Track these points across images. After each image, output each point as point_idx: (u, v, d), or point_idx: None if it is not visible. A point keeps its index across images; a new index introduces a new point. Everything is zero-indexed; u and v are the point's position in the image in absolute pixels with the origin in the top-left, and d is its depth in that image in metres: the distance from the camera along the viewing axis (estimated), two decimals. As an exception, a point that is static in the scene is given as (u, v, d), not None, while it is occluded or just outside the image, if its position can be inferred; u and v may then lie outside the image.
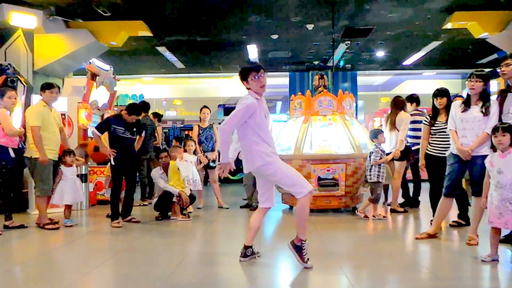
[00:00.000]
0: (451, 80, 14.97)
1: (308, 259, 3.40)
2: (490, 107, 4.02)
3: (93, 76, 7.74)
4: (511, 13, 8.11)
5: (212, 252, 4.23)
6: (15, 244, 4.61)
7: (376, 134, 5.79)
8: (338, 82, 13.53)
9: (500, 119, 3.95)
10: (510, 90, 4.06)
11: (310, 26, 8.98)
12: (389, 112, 6.42)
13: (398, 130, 6.08)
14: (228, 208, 6.68)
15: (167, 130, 12.32)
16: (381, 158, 5.61)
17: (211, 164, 6.87)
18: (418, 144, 6.08)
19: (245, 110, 3.34)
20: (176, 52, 11.15)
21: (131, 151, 5.60)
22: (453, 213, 5.05)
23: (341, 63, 12.71)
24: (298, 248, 3.42)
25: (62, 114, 6.23)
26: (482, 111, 4.04)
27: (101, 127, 5.50)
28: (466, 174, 4.34)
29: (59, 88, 5.44)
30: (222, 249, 4.37)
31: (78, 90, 7.59)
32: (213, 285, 3.16)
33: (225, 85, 15.45)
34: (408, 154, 6.10)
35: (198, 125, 7.03)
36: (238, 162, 3.73)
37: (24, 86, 6.77)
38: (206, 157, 6.86)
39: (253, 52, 10.93)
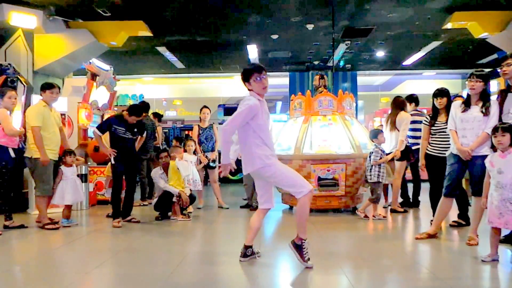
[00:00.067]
0: (451, 80, 14.98)
1: (308, 258, 3.40)
2: (490, 107, 4.02)
3: (93, 76, 7.74)
4: (511, 13, 8.11)
5: (212, 252, 4.23)
6: (15, 244, 4.60)
7: (376, 134, 5.79)
8: (338, 82, 13.52)
9: (500, 119, 3.95)
10: (510, 90, 4.06)
11: (310, 26, 8.98)
12: (390, 112, 6.42)
13: (398, 130, 6.08)
14: (228, 208, 6.68)
15: (167, 130, 12.33)
16: (381, 158, 5.62)
17: (211, 164, 6.87)
18: (417, 144, 6.10)
19: (248, 111, 3.34)
20: (176, 52, 11.15)
21: (132, 151, 5.61)
22: (453, 213, 5.05)
23: (341, 63, 12.71)
24: (299, 247, 3.43)
25: (62, 114, 6.23)
26: (482, 111, 4.04)
27: (102, 127, 5.51)
28: (466, 174, 4.35)
29: (59, 88, 5.45)
30: (222, 249, 4.37)
31: (78, 90, 7.59)
32: (213, 285, 3.16)
33: (225, 85, 15.45)
34: (408, 154, 6.10)
35: (198, 125, 7.03)
36: (238, 162, 3.74)
37: (24, 86, 6.77)
38: (206, 157, 6.86)
39: (253, 52, 10.93)
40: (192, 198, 5.97)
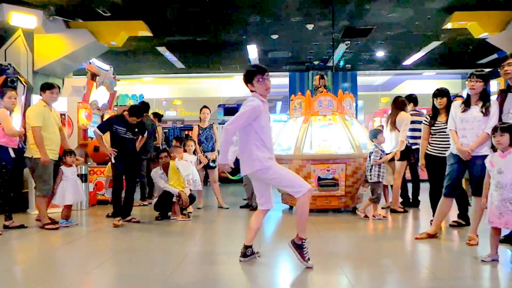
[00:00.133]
0: (451, 80, 14.98)
1: (309, 258, 3.40)
2: (490, 107, 4.02)
3: (93, 76, 7.74)
4: (511, 13, 8.11)
5: (212, 252, 4.23)
6: (15, 244, 4.60)
7: (375, 134, 5.79)
8: (338, 82, 13.53)
9: (500, 119, 3.95)
10: (510, 90, 4.06)
11: (310, 26, 8.98)
12: (390, 112, 6.42)
13: (398, 131, 6.08)
14: (228, 208, 6.68)
15: (167, 130, 12.32)
16: (380, 158, 5.62)
17: (211, 164, 6.87)
18: (416, 144, 6.10)
19: (251, 112, 3.35)
20: (176, 52, 11.15)
21: (132, 152, 5.62)
22: (453, 213, 5.05)
23: (341, 63, 12.71)
24: (299, 247, 3.43)
25: (62, 114, 6.24)
26: (482, 111, 4.04)
27: (102, 127, 5.52)
28: (466, 174, 4.35)
29: (59, 88, 5.46)
30: (222, 249, 4.37)
31: (78, 90, 7.59)
32: (213, 285, 3.16)
33: (225, 85, 15.45)
34: (408, 154, 6.10)
35: (198, 125, 7.03)
36: (237, 162, 3.73)
37: (24, 86, 6.77)
38: (206, 157, 6.86)
39: (253, 52, 10.92)
40: (192, 198, 5.97)
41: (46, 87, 5.25)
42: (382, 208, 6.30)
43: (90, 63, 8.03)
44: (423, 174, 5.60)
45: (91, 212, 6.57)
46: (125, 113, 5.61)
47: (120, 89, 10.85)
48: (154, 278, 3.21)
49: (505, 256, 3.70)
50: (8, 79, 6.46)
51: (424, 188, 5.85)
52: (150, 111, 8.08)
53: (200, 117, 7.09)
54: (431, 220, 4.60)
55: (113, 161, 5.44)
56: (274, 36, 9.75)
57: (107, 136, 5.56)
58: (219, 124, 10.29)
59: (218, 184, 7.11)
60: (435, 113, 4.99)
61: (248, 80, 3.51)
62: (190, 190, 6.05)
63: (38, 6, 7.44)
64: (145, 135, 5.88)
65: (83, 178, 6.47)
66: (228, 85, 15.28)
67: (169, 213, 5.85)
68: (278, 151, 6.07)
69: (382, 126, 7.36)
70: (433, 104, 5.00)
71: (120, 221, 5.31)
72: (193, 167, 6.44)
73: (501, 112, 4.03)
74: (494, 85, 10.21)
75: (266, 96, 3.53)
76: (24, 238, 4.81)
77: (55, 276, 3.43)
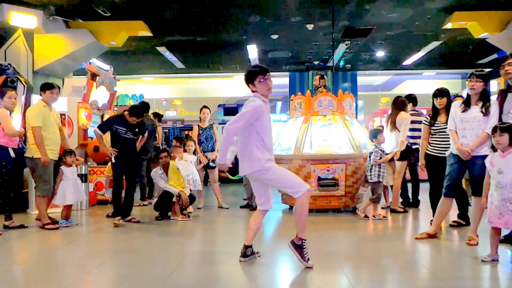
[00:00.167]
0: (451, 80, 14.98)
1: (308, 258, 3.40)
2: (490, 107, 4.02)
3: (93, 76, 7.74)
4: (511, 13, 8.11)
5: (212, 252, 4.24)
6: (15, 244, 4.60)
7: (375, 134, 5.79)
8: (338, 82, 13.52)
9: (500, 119, 3.95)
10: (510, 90, 4.06)
11: (310, 26, 8.98)
12: (390, 112, 6.42)
13: (398, 131, 6.07)
14: (228, 208, 6.68)
15: (167, 130, 12.32)
16: (380, 158, 5.62)
17: (211, 164, 6.87)
18: (416, 144, 6.10)
19: (253, 112, 3.35)
20: (176, 52, 11.15)
21: (133, 151, 5.62)
22: (453, 213, 5.05)
23: (341, 63, 12.71)
24: (299, 247, 3.43)
25: (62, 114, 6.23)
26: (482, 111, 4.04)
27: (103, 127, 5.53)
28: (466, 174, 4.35)
29: (59, 88, 5.46)
30: (222, 249, 4.37)
31: (78, 90, 7.60)
32: (213, 285, 3.16)
33: (225, 85, 15.45)
34: (408, 154, 6.10)
35: (198, 125, 7.03)
36: (237, 161, 3.73)
37: (24, 86, 6.77)
38: (206, 157, 6.86)
39: (253, 52, 10.92)
40: (192, 198, 5.97)
41: (46, 87, 5.25)
42: (382, 208, 6.30)
43: (90, 63, 8.02)
44: (423, 174, 5.59)
45: (91, 212, 6.57)
46: (125, 113, 5.61)
47: (120, 89, 10.85)
48: (154, 278, 3.21)
49: (505, 256, 3.70)
50: (8, 79, 6.46)
51: (424, 188, 5.84)
52: (150, 111, 8.08)
53: (200, 117, 7.09)
54: (431, 220, 4.60)
55: (113, 161, 5.45)
56: (274, 36, 9.75)
57: (107, 136, 5.57)
58: (219, 124, 10.30)
59: (218, 184, 7.11)
60: (435, 113, 4.99)
61: (249, 80, 3.50)
62: (190, 190, 6.05)
63: (38, 6, 7.44)
64: (145, 135, 5.88)
65: (83, 178, 6.47)
66: (228, 85, 15.28)
67: (169, 213, 5.85)
68: (278, 151, 6.07)
69: (382, 126, 7.37)
70: (433, 104, 5.00)
71: (120, 220, 5.31)
72: (193, 167, 6.45)
73: (501, 112, 4.03)
74: (494, 85, 10.21)
75: (268, 96, 3.53)
76: (24, 238, 4.81)
77: (55, 276, 3.43)
